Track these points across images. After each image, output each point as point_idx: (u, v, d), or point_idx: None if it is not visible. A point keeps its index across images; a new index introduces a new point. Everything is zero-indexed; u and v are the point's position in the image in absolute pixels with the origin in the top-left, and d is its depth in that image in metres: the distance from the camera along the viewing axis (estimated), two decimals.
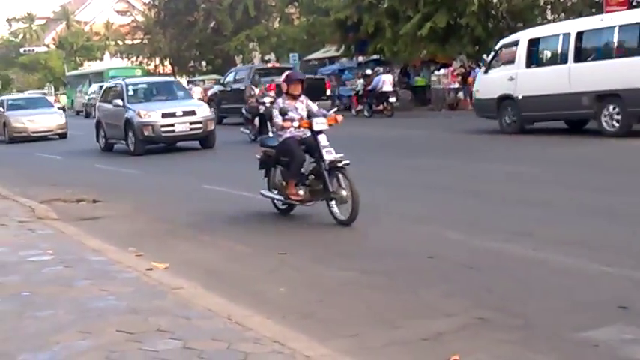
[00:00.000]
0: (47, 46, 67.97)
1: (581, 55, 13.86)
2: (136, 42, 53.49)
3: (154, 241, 7.07)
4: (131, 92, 17.43)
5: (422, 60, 31.25)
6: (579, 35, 13.92)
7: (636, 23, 13.01)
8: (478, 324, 4.23)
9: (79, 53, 65.78)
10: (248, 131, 17.86)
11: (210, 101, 25.61)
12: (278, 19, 46.84)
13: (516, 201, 8.01)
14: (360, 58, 33.94)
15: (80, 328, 4.18)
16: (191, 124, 16.27)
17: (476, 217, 7.28)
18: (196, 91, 35.89)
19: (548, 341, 3.94)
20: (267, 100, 16.71)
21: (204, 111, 16.90)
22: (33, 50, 63.50)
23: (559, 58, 14.35)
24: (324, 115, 7.61)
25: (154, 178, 12.43)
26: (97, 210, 9.07)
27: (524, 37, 15.56)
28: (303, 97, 7.94)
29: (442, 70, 28.66)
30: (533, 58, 15.08)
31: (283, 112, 7.65)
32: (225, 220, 8.03)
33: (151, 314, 4.36)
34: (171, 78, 24.13)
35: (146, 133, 16.04)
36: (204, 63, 50.68)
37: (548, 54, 15.04)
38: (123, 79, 18.42)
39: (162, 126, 16.11)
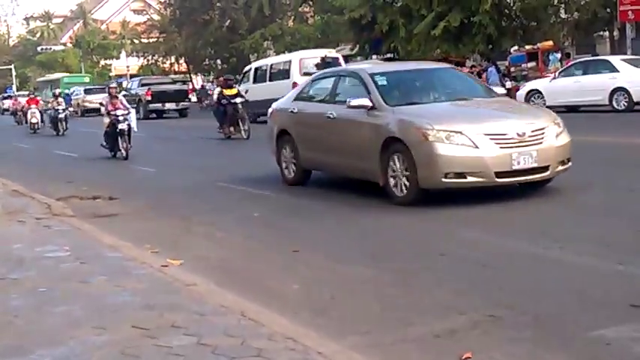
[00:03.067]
0: (64, 44, 68.39)
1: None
2: (151, 40, 53.71)
3: (168, 237, 7.13)
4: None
5: (435, 59, 31.22)
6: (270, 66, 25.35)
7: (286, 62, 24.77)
8: (490, 322, 4.24)
9: (95, 52, 66.14)
10: None
11: None
12: (292, 17, 46.89)
13: (529, 199, 7.99)
14: (374, 57, 33.93)
15: (96, 323, 4.23)
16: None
17: (488, 214, 7.28)
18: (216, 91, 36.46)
19: (560, 339, 3.95)
20: None
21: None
22: (50, 49, 63.92)
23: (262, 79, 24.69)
24: None
25: (169, 175, 12.50)
26: (112, 207, 9.14)
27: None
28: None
29: None
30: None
31: None
32: (240, 217, 8.08)
33: (166, 310, 4.41)
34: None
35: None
36: (219, 61, 50.79)
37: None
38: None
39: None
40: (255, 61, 49.11)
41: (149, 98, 32.05)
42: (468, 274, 5.28)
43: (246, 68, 27.74)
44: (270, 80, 24.49)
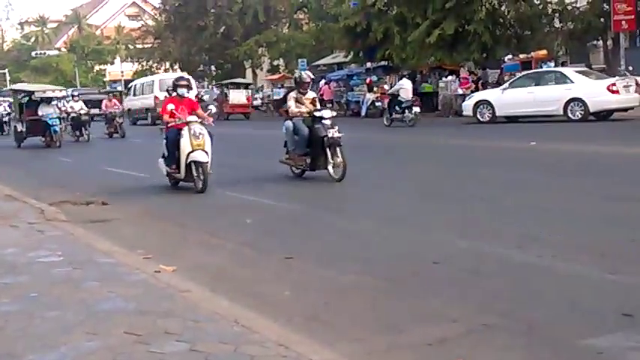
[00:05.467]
0: (58, 49, 68.37)
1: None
2: (146, 46, 53.78)
3: (162, 243, 7.12)
4: None
5: (430, 66, 31.33)
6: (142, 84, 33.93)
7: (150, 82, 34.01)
8: (482, 330, 4.25)
9: (90, 57, 66.19)
10: None
11: None
12: (287, 24, 47.02)
13: (521, 207, 8.02)
14: (369, 64, 34.04)
15: (88, 329, 4.22)
16: None
17: (481, 223, 7.30)
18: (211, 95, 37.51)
19: (552, 348, 3.95)
20: None
21: None
22: (44, 53, 63.94)
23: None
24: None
25: (163, 180, 12.48)
26: (105, 212, 9.12)
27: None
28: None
29: (450, 77, 28.70)
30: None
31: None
32: (233, 224, 8.07)
33: (159, 316, 4.40)
34: None
35: None
36: (213, 67, 50.82)
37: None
38: None
39: None
40: (249, 67, 49.35)
41: None
42: (461, 282, 5.29)
43: (130, 85, 38.50)
44: (142, 94, 35.27)
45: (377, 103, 29.49)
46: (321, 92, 34.88)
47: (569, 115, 20.01)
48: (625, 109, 20.35)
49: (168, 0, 48.55)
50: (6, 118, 29.59)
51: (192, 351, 3.82)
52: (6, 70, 66.58)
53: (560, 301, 4.74)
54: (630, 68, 23.48)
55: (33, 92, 23.57)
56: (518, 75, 23.69)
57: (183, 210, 9.21)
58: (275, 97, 38.59)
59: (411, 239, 6.85)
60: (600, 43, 27.73)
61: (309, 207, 8.90)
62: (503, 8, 29.04)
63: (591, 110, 19.79)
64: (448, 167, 12.22)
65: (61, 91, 25.34)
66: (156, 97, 30.68)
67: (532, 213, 7.72)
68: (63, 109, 24.67)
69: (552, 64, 26.98)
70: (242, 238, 7.23)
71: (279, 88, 40.29)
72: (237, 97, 36.65)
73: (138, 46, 56.45)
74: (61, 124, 22.63)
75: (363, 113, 30.36)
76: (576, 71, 21.49)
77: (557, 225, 7.04)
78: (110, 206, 9.58)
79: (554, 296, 4.84)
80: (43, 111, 21.81)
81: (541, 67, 26.39)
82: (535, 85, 21.07)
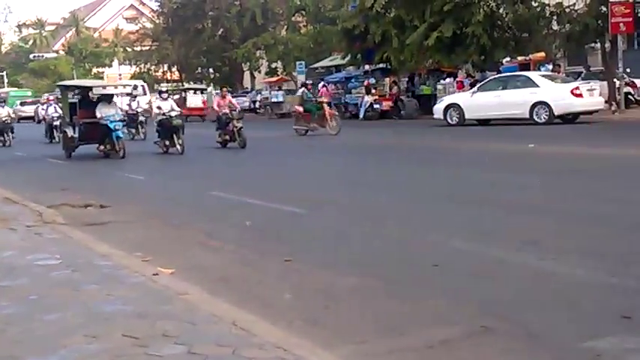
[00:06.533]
0: (56, 52, 68.35)
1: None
2: (144, 49, 53.78)
3: (160, 246, 7.10)
4: None
5: (428, 69, 31.37)
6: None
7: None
8: (483, 333, 4.24)
9: (87, 59, 66.19)
10: None
11: None
12: (285, 27, 47.04)
13: (520, 209, 8.02)
14: (367, 67, 34.07)
15: (87, 332, 4.21)
16: None
17: (479, 224, 7.30)
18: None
19: (551, 351, 3.95)
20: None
21: None
22: (42, 56, 63.95)
23: None
24: None
25: (161, 183, 12.48)
26: (104, 215, 9.11)
27: None
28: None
29: (448, 80, 28.75)
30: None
31: None
32: (232, 226, 8.06)
33: (157, 319, 4.39)
34: None
35: None
36: (211, 70, 50.83)
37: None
38: None
39: None
40: (247, 70, 49.36)
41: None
42: (461, 284, 5.29)
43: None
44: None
45: (375, 106, 29.56)
46: (320, 94, 34.99)
47: (535, 118, 20.64)
48: (590, 112, 21.04)
49: (167, 3, 48.57)
50: (57, 122, 24.25)
51: (191, 353, 3.81)
52: (4, 73, 66.61)
53: (559, 303, 4.73)
54: (628, 70, 23.52)
55: (90, 88, 18.51)
56: (487, 79, 24.40)
57: (180, 213, 9.20)
58: (273, 100, 38.82)
59: (409, 241, 6.85)
60: (598, 45, 27.75)
61: (307, 209, 8.89)
62: (501, 11, 29.08)
63: (556, 113, 20.46)
64: (431, 168, 12.23)
65: (125, 86, 21.18)
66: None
67: (532, 214, 7.72)
68: (127, 109, 23.14)
69: (550, 66, 27.04)
70: (241, 240, 7.22)
71: (277, 90, 40.40)
72: (194, 101, 39.74)
73: (136, 48, 56.46)
74: (123, 127, 18.38)
75: (361, 116, 30.38)
76: (541, 75, 22.31)
77: (556, 227, 7.05)
78: (108, 209, 9.57)
79: (553, 299, 4.83)
80: (102, 112, 17.39)
81: (539, 69, 26.46)
82: (502, 89, 21.68)
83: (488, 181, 10.43)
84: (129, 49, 58.81)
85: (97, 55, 66.08)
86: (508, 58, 29.51)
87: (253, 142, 18.10)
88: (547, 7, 28.12)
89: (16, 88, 62.85)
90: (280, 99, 38.81)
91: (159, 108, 18.77)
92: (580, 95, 20.44)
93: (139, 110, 24.66)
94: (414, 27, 28.84)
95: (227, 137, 18.36)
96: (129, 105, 24.51)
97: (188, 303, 4.77)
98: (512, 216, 7.79)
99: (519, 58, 28.98)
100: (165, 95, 20.10)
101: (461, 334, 4.24)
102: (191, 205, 9.91)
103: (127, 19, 70.90)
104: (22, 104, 49.71)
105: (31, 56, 64.08)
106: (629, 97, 26.00)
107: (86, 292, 5.09)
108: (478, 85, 23.54)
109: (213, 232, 7.64)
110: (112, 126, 17.06)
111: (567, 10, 27.20)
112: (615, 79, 24.94)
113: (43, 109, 28.42)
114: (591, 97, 20.87)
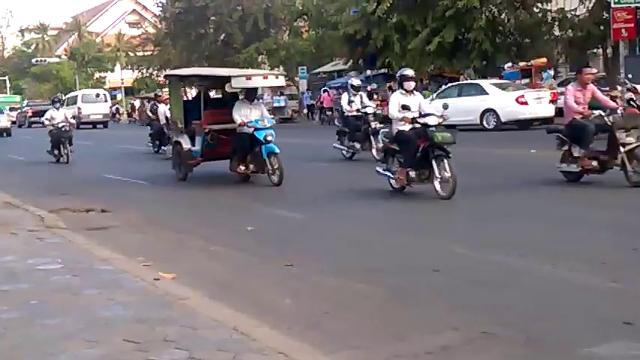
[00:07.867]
0: (59, 56, 68.42)
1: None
2: (146, 54, 53.83)
3: (161, 251, 7.11)
4: None
5: (430, 74, 31.38)
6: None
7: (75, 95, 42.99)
8: (483, 338, 4.24)
9: (90, 64, 66.21)
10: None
11: None
12: (287, 32, 47.04)
13: (523, 217, 8.01)
14: (369, 72, 34.10)
15: (87, 336, 4.21)
16: None
17: (482, 231, 7.29)
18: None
19: (552, 356, 3.94)
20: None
21: None
22: (45, 61, 63.96)
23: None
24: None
25: (162, 188, 12.48)
26: (105, 219, 9.11)
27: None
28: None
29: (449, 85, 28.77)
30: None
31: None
32: (233, 231, 8.06)
33: (158, 324, 4.39)
34: None
35: None
36: None
37: None
38: None
39: None
40: None
41: (31, 114, 46.45)
42: (462, 290, 5.28)
43: (66, 97, 44.52)
44: (67, 105, 39.51)
45: (377, 111, 29.53)
46: (321, 100, 35.00)
47: (485, 124, 21.58)
48: (538, 120, 21.31)
49: (169, 8, 48.64)
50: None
51: (191, 359, 3.81)
52: (6, 77, 66.68)
53: (560, 309, 4.73)
54: (630, 76, 23.50)
55: (227, 79, 12.02)
56: (445, 87, 24.89)
57: (182, 217, 9.20)
58: (275, 105, 38.82)
59: (410, 247, 6.84)
60: (600, 51, 27.75)
61: (309, 215, 8.89)
62: (503, 16, 29.09)
63: (503, 120, 21.28)
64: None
65: (277, 77, 13.51)
66: (79, 108, 41.61)
67: (532, 220, 7.71)
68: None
69: (552, 71, 27.03)
70: (241, 245, 7.23)
71: (279, 95, 40.41)
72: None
73: (138, 53, 56.51)
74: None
75: None
76: (492, 84, 23.19)
77: (555, 233, 7.05)
78: (110, 214, 9.58)
79: (554, 304, 4.83)
80: (242, 114, 11.72)
81: (541, 75, 26.45)
82: (457, 96, 22.08)
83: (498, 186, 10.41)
84: (131, 54, 58.84)
85: (99, 60, 66.08)
86: (510, 64, 29.50)
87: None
88: (549, 13, 28.13)
89: (3, 95, 63.03)
90: (282, 104, 38.85)
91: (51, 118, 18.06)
92: (525, 103, 21.21)
93: (372, 119, 16.06)
94: (415, 32, 28.87)
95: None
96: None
97: (189, 308, 4.77)
98: (515, 222, 7.78)
99: (521, 63, 28.96)
100: (57, 105, 19.06)
101: (461, 339, 4.22)
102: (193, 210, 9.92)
103: (129, 24, 70.94)
104: (11, 110, 50.16)
105: (34, 61, 64.09)
106: (632, 103, 25.97)
107: (87, 297, 5.09)
108: (437, 92, 24.05)
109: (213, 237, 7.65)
110: (260, 136, 11.45)
111: (569, 15, 27.21)
112: (617, 86, 24.92)
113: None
114: (538, 105, 21.49)
